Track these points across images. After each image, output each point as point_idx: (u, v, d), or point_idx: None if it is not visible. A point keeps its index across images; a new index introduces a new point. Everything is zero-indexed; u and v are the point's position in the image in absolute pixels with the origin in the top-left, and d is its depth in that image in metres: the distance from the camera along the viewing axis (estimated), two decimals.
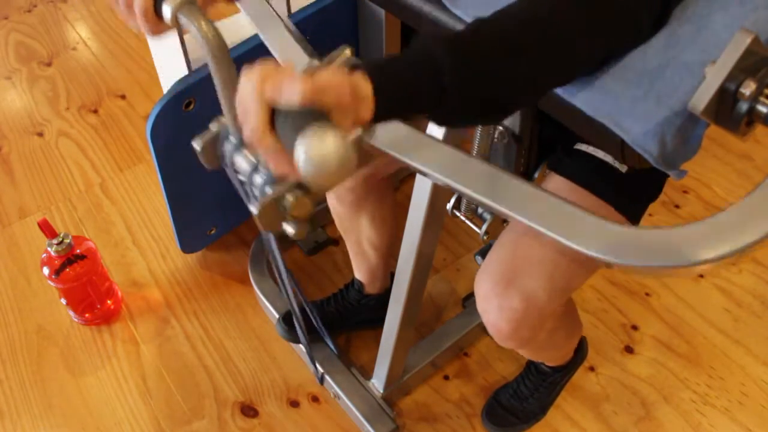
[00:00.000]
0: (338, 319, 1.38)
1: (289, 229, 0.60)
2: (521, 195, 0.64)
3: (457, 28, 0.78)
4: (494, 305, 0.89)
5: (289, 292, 1.01)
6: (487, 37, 0.59)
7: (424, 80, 0.56)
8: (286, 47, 0.83)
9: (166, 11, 0.65)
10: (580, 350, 1.29)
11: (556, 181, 0.90)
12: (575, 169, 0.90)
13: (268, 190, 0.58)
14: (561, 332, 1.09)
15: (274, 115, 0.50)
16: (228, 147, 0.62)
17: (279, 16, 0.86)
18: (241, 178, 0.62)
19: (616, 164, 0.88)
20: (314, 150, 0.47)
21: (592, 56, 0.65)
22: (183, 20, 0.65)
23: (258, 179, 0.59)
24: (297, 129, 0.48)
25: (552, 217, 0.60)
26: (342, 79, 0.51)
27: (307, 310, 1.22)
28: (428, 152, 0.63)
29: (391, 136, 0.62)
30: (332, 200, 1.19)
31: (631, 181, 0.88)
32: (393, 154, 0.62)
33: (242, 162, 0.60)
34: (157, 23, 0.67)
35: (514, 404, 1.30)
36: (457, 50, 0.57)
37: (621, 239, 0.58)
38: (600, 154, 0.89)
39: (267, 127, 0.50)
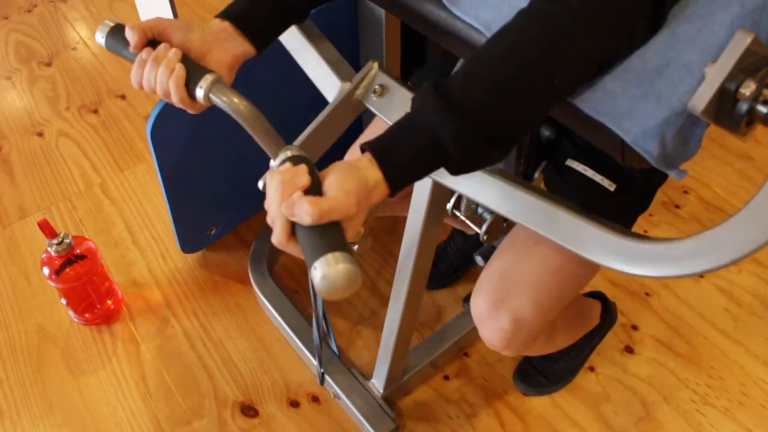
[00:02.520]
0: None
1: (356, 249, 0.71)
2: (535, 208, 0.73)
3: (457, 28, 0.78)
4: (486, 325, 0.94)
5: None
6: (479, 89, 0.62)
7: (429, 156, 0.62)
8: (321, 75, 0.93)
9: (199, 94, 0.72)
10: (608, 315, 1.33)
11: None
12: (565, 190, 0.93)
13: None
14: (560, 335, 1.10)
15: (294, 224, 0.59)
16: None
17: (312, 43, 0.93)
18: None
19: (605, 183, 0.91)
20: (326, 278, 0.55)
21: (589, 69, 0.65)
22: (215, 99, 0.72)
23: None
24: (312, 249, 0.56)
25: (562, 228, 0.71)
26: (346, 197, 0.58)
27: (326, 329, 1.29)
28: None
29: None
30: None
31: (619, 199, 0.92)
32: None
33: None
34: (193, 105, 0.75)
35: (545, 365, 1.35)
36: (451, 114, 0.60)
37: (622, 249, 0.67)
38: (589, 173, 0.92)
39: (289, 237, 0.59)
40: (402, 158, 0.61)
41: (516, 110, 0.63)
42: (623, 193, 0.91)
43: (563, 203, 0.72)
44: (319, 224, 0.57)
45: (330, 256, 0.55)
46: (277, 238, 0.59)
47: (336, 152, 1.13)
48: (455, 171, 0.64)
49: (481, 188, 0.77)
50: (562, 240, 0.71)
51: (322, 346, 1.26)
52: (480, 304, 0.94)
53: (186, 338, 1.46)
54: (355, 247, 0.70)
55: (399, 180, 0.62)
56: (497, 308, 0.92)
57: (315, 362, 1.32)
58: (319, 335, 1.20)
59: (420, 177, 0.64)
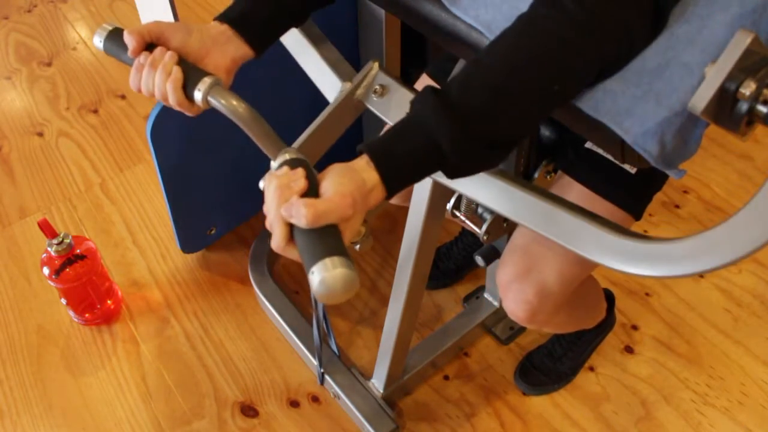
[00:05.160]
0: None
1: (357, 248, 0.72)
2: (536, 209, 0.74)
3: (457, 28, 0.78)
4: (511, 296, 0.96)
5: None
6: (478, 92, 0.61)
7: (426, 158, 0.61)
8: (321, 75, 0.94)
9: (198, 97, 0.73)
10: (612, 313, 1.35)
11: (570, 187, 0.95)
12: (587, 174, 0.94)
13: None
14: (581, 310, 1.14)
15: (293, 229, 0.59)
16: None
17: (312, 43, 0.94)
18: None
19: (626, 166, 0.91)
20: (323, 283, 0.55)
21: (588, 75, 0.65)
22: (213, 102, 0.72)
23: None
24: (310, 253, 0.56)
25: (562, 228, 0.72)
26: (342, 199, 0.58)
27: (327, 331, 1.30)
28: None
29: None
30: None
31: (640, 181, 0.93)
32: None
33: None
34: (191, 108, 0.75)
35: (547, 364, 1.36)
36: (449, 116, 0.60)
37: (622, 249, 0.68)
38: (609, 155, 0.92)
39: (287, 242, 0.59)
40: (399, 160, 0.61)
41: (514, 115, 0.63)
42: (643, 174, 0.92)
43: (563, 202, 0.72)
44: (317, 228, 0.57)
45: (328, 261, 0.55)
46: (276, 242, 0.60)
47: (336, 152, 1.14)
48: (453, 174, 0.64)
49: (480, 188, 0.77)
50: (562, 240, 0.71)
51: (322, 346, 1.26)
52: (505, 276, 0.97)
53: (186, 338, 1.46)
54: (357, 247, 0.70)
55: (397, 182, 0.61)
56: (522, 279, 0.94)
57: (315, 362, 1.32)
58: (319, 335, 1.20)
59: (418, 179, 0.64)
